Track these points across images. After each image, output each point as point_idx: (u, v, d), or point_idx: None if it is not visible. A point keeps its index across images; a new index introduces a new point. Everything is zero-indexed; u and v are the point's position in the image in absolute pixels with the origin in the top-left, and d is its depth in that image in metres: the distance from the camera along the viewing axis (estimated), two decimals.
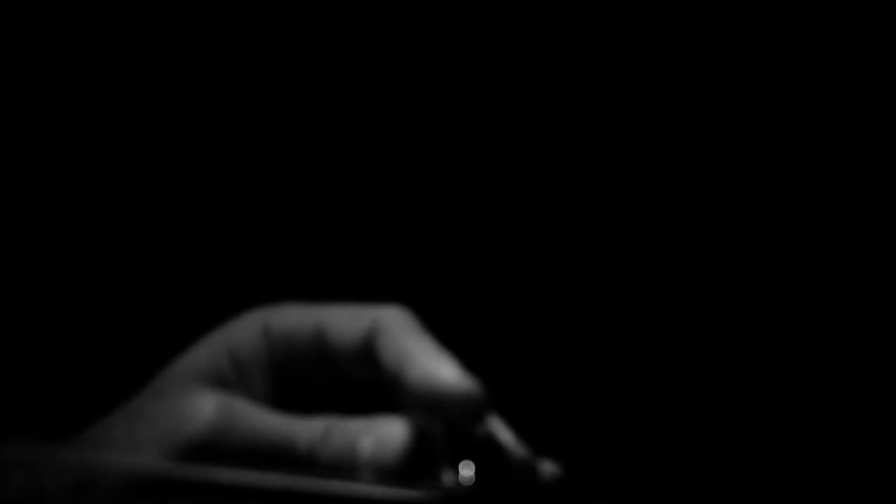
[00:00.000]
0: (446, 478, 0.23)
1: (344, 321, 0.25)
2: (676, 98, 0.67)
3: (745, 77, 0.66)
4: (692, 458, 0.65)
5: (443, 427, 0.23)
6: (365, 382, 0.25)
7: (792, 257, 0.66)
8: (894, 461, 0.63)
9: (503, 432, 0.24)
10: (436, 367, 0.23)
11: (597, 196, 0.67)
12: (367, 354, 0.25)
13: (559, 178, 0.67)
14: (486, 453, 0.23)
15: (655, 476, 0.65)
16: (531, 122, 0.67)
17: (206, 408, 0.24)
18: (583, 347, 0.66)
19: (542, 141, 0.67)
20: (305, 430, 0.23)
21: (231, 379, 0.25)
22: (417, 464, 0.23)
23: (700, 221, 0.67)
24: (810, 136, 0.67)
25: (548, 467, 0.25)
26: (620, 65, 0.67)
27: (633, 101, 0.67)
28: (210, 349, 0.26)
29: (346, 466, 0.23)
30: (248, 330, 0.26)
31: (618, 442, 0.65)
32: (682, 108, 0.67)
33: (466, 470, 0.23)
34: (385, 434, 0.23)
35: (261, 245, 0.64)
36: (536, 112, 0.67)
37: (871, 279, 0.66)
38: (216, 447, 0.23)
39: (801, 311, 0.66)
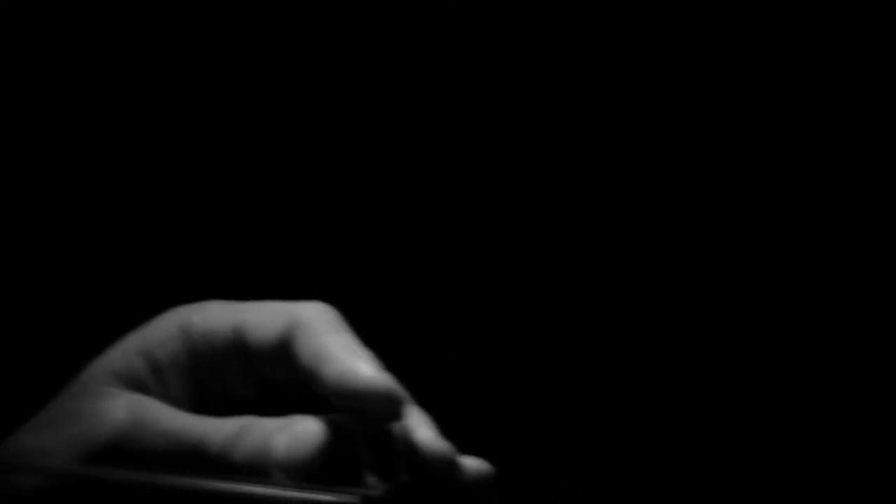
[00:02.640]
0: (365, 479, 0.22)
1: (262, 319, 0.24)
2: (675, 98, 0.67)
3: (744, 77, 0.66)
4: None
5: (362, 426, 0.23)
6: (287, 382, 0.25)
7: (788, 257, 0.66)
8: (891, 461, 0.63)
9: (423, 430, 0.23)
10: (352, 364, 0.23)
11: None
12: (285, 353, 0.24)
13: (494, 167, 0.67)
14: (405, 452, 0.22)
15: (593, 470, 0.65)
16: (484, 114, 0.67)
17: (116, 410, 0.24)
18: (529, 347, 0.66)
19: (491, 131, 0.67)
20: (218, 430, 0.23)
21: (146, 380, 0.25)
22: (334, 465, 0.22)
23: (680, 222, 0.67)
24: (808, 136, 0.67)
25: (473, 465, 0.24)
26: (619, 65, 0.67)
27: (632, 101, 0.67)
28: (125, 350, 0.25)
29: (258, 467, 0.22)
30: (165, 330, 0.25)
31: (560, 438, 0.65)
32: (680, 108, 0.67)
33: (383, 471, 0.22)
34: (298, 433, 0.22)
35: (188, 245, 0.64)
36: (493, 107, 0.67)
37: (868, 279, 0.65)
38: (128, 449, 0.23)
39: (791, 311, 0.66)
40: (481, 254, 0.68)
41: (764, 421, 0.64)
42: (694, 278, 0.65)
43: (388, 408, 0.23)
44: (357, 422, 0.23)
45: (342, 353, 0.23)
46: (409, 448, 0.23)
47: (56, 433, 0.24)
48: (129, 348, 0.25)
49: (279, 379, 0.25)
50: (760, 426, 0.64)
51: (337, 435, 0.23)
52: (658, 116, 0.66)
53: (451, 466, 0.23)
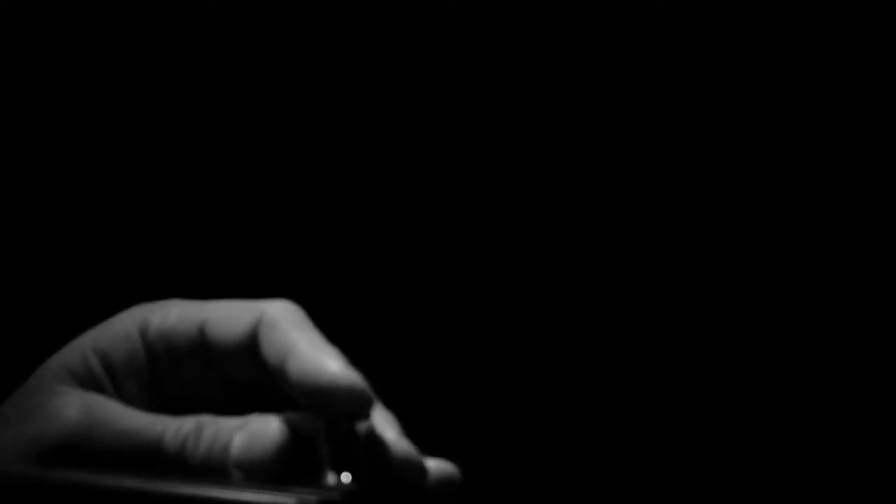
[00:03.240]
0: (326, 479, 0.22)
1: (227, 317, 0.24)
2: (676, 97, 0.67)
3: (744, 76, 0.66)
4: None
5: (326, 426, 0.22)
6: (250, 381, 0.24)
7: (788, 257, 0.66)
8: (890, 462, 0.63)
9: (388, 430, 0.23)
10: (319, 361, 0.22)
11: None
12: (251, 351, 0.24)
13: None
14: (367, 452, 0.22)
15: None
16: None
17: (69, 408, 0.23)
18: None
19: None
20: (175, 429, 0.22)
21: (101, 379, 0.24)
22: (294, 464, 0.22)
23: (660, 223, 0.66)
24: (809, 135, 0.66)
25: (438, 467, 0.24)
26: (620, 65, 0.67)
27: (631, 100, 0.67)
28: (80, 348, 0.25)
29: (216, 467, 0.22)
30: (121, 329, 0.25)
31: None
32: (681, 106, 0.67)
33: (345, 471, 0.21)
34: (256, 432, 0.22)
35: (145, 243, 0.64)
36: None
37: (868, 278, 0.65)
38: (81, 448, 0.23)
39: (790, 310, 0.65)
40: (480, 254, 0.68)
41: (762, 421, 0.64)
42: (693, 278, 0.65)
43: (354, 405, 0.22)
44: (319, 421, 0.22)
45: (308, 349, 0.23)
46: (373, 448, 0.22)
47: (8, 432, 0.23)
48: (85, 347, 0.25)
49: (245, 378, 0.25)
50: (759, 426, 0.64)
51: (297, 434, 0.22)
52: (657, 116, 0.66)
53: (414, 468, 0.23)
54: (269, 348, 0.23)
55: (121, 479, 0.20)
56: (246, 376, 0.25)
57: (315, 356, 0.22)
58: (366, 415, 0.22)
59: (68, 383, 0.24)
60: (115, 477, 0.20)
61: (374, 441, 0.22)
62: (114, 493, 0.20)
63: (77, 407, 0.23)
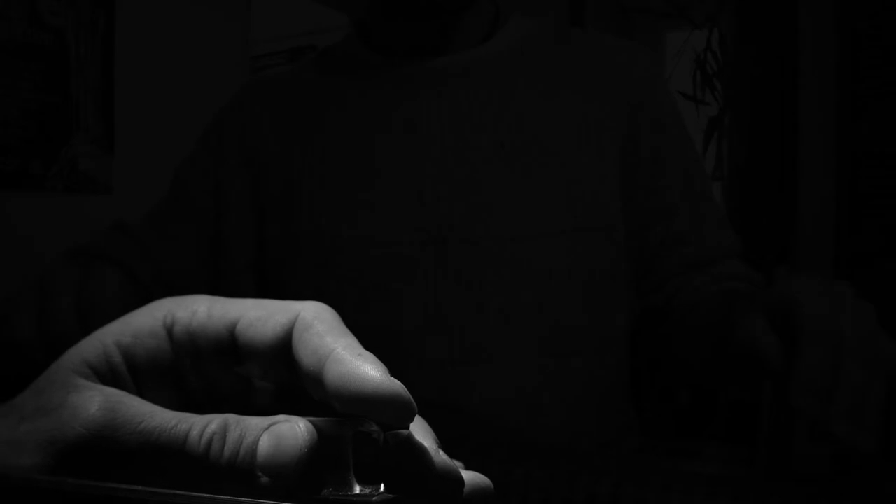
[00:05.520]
0: (352, 486, 0.21)
1: (259, 318, 0.23)
2: None
3: None
4: None
5: (355, 433, 0.21)
6: (278, 382, 0.24)
7: None
8: None
9: (426, 440, 0.22)
10: (360, 369, 0.22)
11: None
12: (282, 353, 0.23)
13: None
14: (407, 461, 0.21)
15: None
16: None
17: (89, 405, 0.22)
18: None
19: None
20: (199, 428, 0.21)
21: (123, 375, 0.24)
22: (321, 469, 0.21)
23: None
24: None
25: (473, 478, 0.23)
26: None
27: None
28: (102, 342, 0.24)
29: (241, 468, 0.21)
30: (146, 324, 0.24)
31: None
32: None
33: (380, 480, 0.21)
34: (284, 435, 0.21)
35: None
36: None
37: None
38: (102, 447, 0.22)
39: None
40: None
41: None
42: None
43: (395, 415, 0.21)
44: (346, 426, 0.22)
45: (348, 356, 0.22)
46: (411, 458, 0.21)
47: (25, 427, 0.22)
48: (106, 341, 0.24)
49: (272, 379, 0.24)
50: None
51: (323, 438, 0.21)
52: None
53: (452, 480, 0.22)
54: (305, 352, 0.22)
55: (135, 489, 0.19)
56: (274, 377, 0.24)
57: (355, 363, 0.22)
58: (406, 424, 0.22)
59: (88, 378, 0.23)
60: (129, 487, 0.19)
61: (413, 451, 0.22)
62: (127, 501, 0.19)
63: (98, 403, 0.22)
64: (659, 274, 0.81)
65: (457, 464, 0.23)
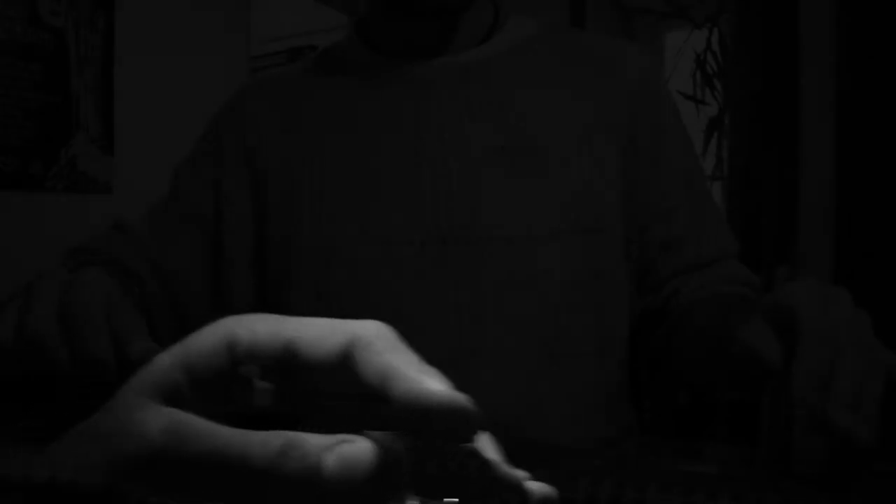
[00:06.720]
0: (411, 499, 0.21)
1: (317, 337, 0.24)
2: None
3: None
4: None
5: (411, 445, 0.22)
6: (332, 399, 0.24)
7: None
8: None
9: (492, 452, 0.23)
10: (425, 384, 0.22)
11: None
12: (339, 371, 0.23)
13: None
14: (470, 472, 0.22)
15: None
16: None
17: (154, 425, 0.23)
18: None
19: None
20: (263, 447, 0.22)
21: (186, 394, 0.24)
22: (381, 486, 0.21)
23: None
24: None
25: (539, 489, 0.24)
26: None
27: None
28: (167, 363, 0.24)
29: (305, 485, 0.21)
30: (209, 343, 0.24)
31: None
32: None
33: (431, 493, 0.21)
34: (351, 453, 0.21)
35: None
36: None
37: None
38: (167, 466, 0.22)
39: None
40: None
41: None
42: None
43: (462, 428, 0.22)
44: (406, 441, 0.22)
45: (411, 372, 0.22)
46: (479, 470, 0.22)
47: (96, 446, 0.23)
48: (172, 361, 0.24)
49: (328, 396, 0.24)
50: None
51: (386, 454, 0.22)
52: None
53: (520, 491, 0.22)
54: (367, 370, 0.23)
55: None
56: (331, 393, 0.24)
57: (420, 378, 0.22)
58: (471, 437, 0.22)
59: (153, 398, 0.24)
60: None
61: (479, 463, 0.22)
62: None
63: (163, 423, 0.23)
64: (659, 274, 0.81)
65: (521, 474, 0.23)
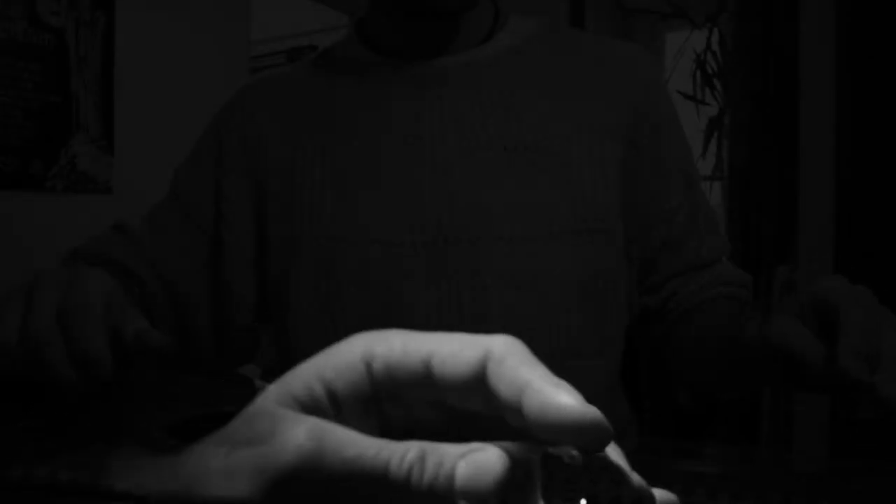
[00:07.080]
0: None
1: (453, 352, 0.24)
2: None
3: None
4: None
5: (542, 454, 0.23)
6: (466, 413, 0.25)
7: None
8: None
9: (621, 461, 0.23)
10: (558, 397, 0.22)
11: None
12: (475, 385, 0.24)
13: None
14: (601, 481, 0.22)
15: None
16: None
17: (298, 434, 0.23)
18: None
19: None
20: (399, 457, 0.22)
21: (325, 407, 0.25)
22: (513, 495, 0.22)
23: None
24: None
25: (664, 497, 0.25)
26: None
27: None
28: (305, 376, 0.25)
29: (440, 493, 0.22)
30: (347, 359, 0.25)
31: None
32: None
33: (566, 501, 0.21)
34: (483, 462, 0.22)
35: None
36: None
37: None
38: (309, 475, 0.23)
39: None
40: None
41: None
42: None
43: (594, 440, 0.22)
44: (535, 449, 0.23)
45: (545, 386, 0.23)
46: (610, 480, 0.22)
47: (238, 455, 0.23)
48: (309, 374, 0.25)
49: (464, 409, 0.25)
50: None
51: (517, 464, 0.22)
52: None
53: (647, 499, 0.23)
54: (501, 385, 0.23)
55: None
56: (466, 407, 0.25)
57: (553, 392, 0.22)
58: (603, 448, 0.23)
59: (294, 409, 0.24)
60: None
61: (611, 472, 0.23)
62: None
63: (306, 432, 0.23)
64: (659, 275, 0.82)
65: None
